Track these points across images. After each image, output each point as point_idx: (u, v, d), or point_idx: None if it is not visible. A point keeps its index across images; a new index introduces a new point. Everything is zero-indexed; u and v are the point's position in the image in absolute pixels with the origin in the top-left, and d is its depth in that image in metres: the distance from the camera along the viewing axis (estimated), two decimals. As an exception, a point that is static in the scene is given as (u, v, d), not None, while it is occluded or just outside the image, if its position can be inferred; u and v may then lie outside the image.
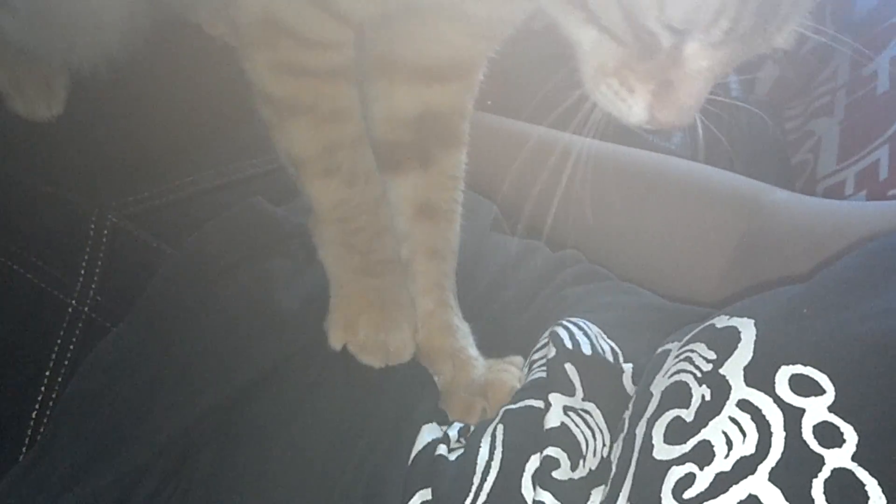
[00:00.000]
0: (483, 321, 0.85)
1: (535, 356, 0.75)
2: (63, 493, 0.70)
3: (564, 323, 0.72)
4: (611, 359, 0.70)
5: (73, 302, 0.82)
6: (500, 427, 0.66)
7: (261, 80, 0.71)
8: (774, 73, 1.51)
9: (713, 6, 0.53)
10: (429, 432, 0.70)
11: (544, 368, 0.70)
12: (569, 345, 0.69)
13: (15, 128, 0.94)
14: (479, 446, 0.65)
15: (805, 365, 0.52)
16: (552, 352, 0.69)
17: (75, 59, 0.89)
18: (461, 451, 0.67)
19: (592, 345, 0.70)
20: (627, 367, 0.69)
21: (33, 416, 0.78)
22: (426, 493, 0.64)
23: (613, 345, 0.72)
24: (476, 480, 0.62)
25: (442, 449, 0.67)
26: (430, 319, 0.80)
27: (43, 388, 0.78)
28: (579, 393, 0.66)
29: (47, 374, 0.79)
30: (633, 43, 0.57)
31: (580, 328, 0.72)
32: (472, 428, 0.71)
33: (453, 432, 0.70)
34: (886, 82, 1.31)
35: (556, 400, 0.64)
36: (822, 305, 0.56)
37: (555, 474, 0.60)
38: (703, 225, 0.95)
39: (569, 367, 0.67)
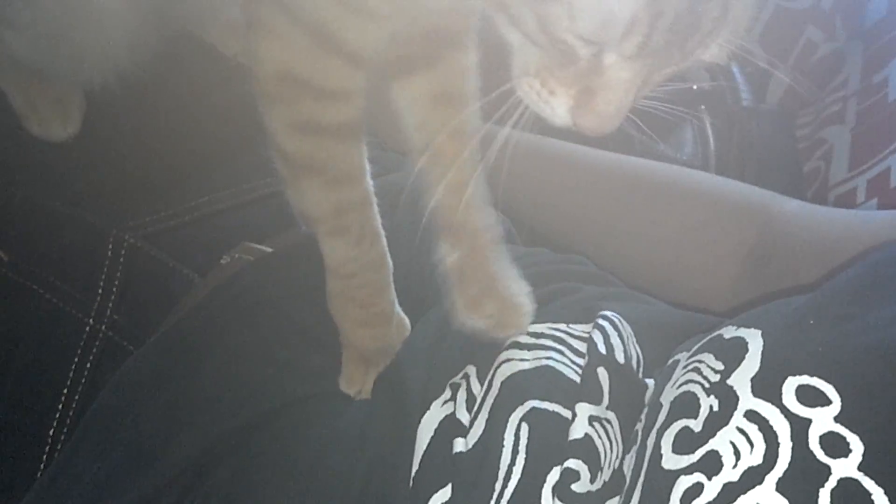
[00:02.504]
0: None
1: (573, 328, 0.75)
2: None
3: (601, 322, 0.72)
4: (634, 365, 0.70)
5: (91, 321, 0.83)
6: (525, 428, 0.66)
7: (276, 137, 0.72)
8: (785, 80, 1.52)
9: (623, 22, 0.53)
10: (430, 422, 0.70)
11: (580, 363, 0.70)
12: (602, 350, 0.69)
13: (32, 148, 0.95)
14: (503, 445, 0.65)
15: (811, 375, 0.52)
16: (584, 358, 0.69)
17: (85, 75, 0.90)
18: (478, 437, 0.67)
19: (625, 351, 0.70)
20: (650, 383, 0.68)
21: (51, 433, 0.79)
22: (445, 493, 0.64)
23: (640, 351, 0.72)
24: (498, 487, 0.62)
25: (459, 444, 0.67)
26: (455, 191, 0.77)
27: (61, 406, 0.79)
28: (605, 401, 0.66)
29: (65, 391, 0.80)
30: (552, 50, 0.57)
31: (616, 328, 0.71)
32: (479, 401, 0.70)
33: (462, 413, 0.70)
34: (897, 90, 1.32)
35: (583, 410, 0.64)
36: (828, 316, 0.57)
37: (574, 487, 0.60)
38: (713, 235, 0.95)
39: (601, 371, 0.67)
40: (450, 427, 0.69)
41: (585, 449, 0.62)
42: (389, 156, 1.02)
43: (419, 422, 0.70)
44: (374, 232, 0.77)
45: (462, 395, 0.70)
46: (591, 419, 0.64)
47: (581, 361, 0.70)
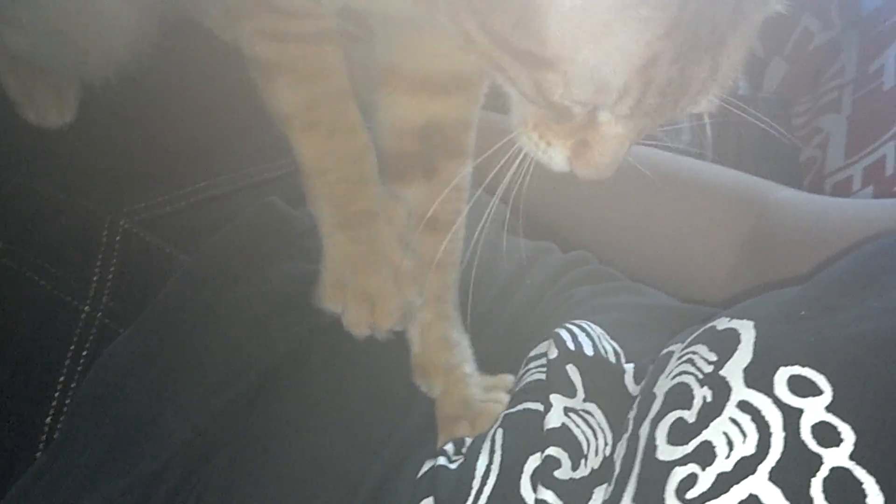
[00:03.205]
0: (493, 327, 0.85)
1: (532, 356, 0.75)
2: (79, 497, 0.71)
3: (568, 325, 0.73)
4: (613, 360, 0.71)
5: (87, 308, 0.83)
6: (500, 431, 0.67)
7: (247, 46, 0.74)
8: (782, 69, 1.52)
9: (616, 89, 0.55)
10: (430, 463, 0.70)
11: (544, 370, 0.71)
12: (571, 346, 0.70)
13: (28, 134, 0.94)
14: (479, 453, 0.66)
15: (803, 366, 0.52)
16: (553, 353, 0.69)
17: (85, 70, 0.90)
18: (462, 460, 0.68)
19: (595, 346, 0.71)
20: (629, 367, 0.69)
21: (47, 421, 0.79)
22: (429, 502, 0.65)
23: (616, 345, 0.73)
24: (476, 485, 0.63)
25: (442, 460, 0.68)
26: (427, 332, 0.81)
27: (57, 394, 0.79)
28: (580, 394, 0.66)
29: (61, 379, 0.80)
30: (548, 108, 0.60)
31: (583, 329, 0.72)
32: (467, 440, 0.72)
33: (449, 446, 0.71)
34: (893, 78, 1.31)
35: (557, 401, 0.65)
36: (820, 306, 0.57)
37: (556, 474, 0.61)
38: (709, 224, 0.96)
39: (570, 368, 0.68)
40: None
41: (563, 438, 0.63)
42: None
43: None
44: (350, 125, 0.77)
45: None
46: (567, 410, 0.65)
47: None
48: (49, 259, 0.85)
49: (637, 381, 0.68)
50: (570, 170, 0.63)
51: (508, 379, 0.80)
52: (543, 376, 0.70)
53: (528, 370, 0.74)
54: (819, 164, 1.35)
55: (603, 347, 0.71)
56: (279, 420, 0.74)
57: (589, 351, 0.70)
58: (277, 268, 0.83)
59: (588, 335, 0.71)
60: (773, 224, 0.91)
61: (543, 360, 0.71)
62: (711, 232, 0.95)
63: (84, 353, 0.81)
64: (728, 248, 0.94)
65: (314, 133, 0.75)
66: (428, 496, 0.65)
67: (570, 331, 0.72)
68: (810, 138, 1.42)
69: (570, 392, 0.66)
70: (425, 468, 0.69)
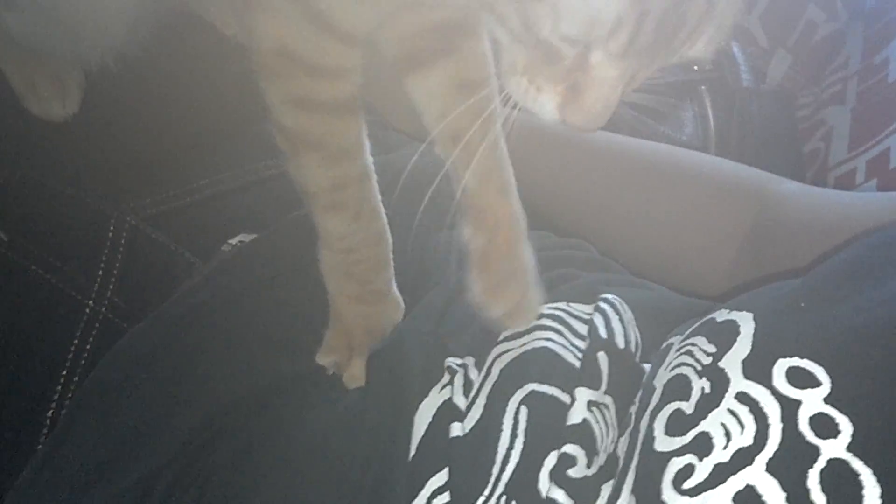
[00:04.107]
0: None
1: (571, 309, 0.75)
2: (86, 491, 0.71)
3: (602, 305, 0.72)
4: (633, 350, 0.70)
5: (91, 303, 0.84)
6: (524, 411, 0.66)
7: (274, 112, 0.72)
8: (786, 61, 1.51)
9: (608, 22, 0.53)
10: (428, 408, 0.70)
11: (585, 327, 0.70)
12: (603, 334, 0.69)
13: (33, 128, 0.95)
14: (501, 428, 0.65)
15: (801, 357, 0.53)
16: (585, 341, 0.69)
17: (82, 53, 0.90)
18: (475, 421, 0.67)
19: (625, 335, 0.70)
20: (647, 367, 0.69)
21: (49, 415, 0.79)
22: (441, 477, 0.65)
23: (638, 335, 0.72)
24: (495, 471, 0.63)
25: (456, 429, 0.67)
26: (487, 176, 0.78)
27: (59, 388, 0.80)
28: (603, 385, 0.66)
29: (63, 374, 0.80)
30: (538, 49, 0.57)
31: (616, 312, 0.72)
32: (477, 387, 0.70)
33: (459, 398, 0.70)
34: (897, 70, 1.31)
35: (582, 395, 0.65)
36: (819, 298, 0.57)
37: (570, 472, 0.60)
38: (711, 216, 0.96)
39: (601, 356, 0.67)
40: (447, 412, 0.69)
41: (583, 434, 0.62)
42: (390, 134, 1.02)
43: (417, 408, 0.70)
44: (373, 208, 0.77)
45: (459, 380, 0.71)
46: (590, 404, 0.64)
47: (579, 343, 0.71)
48: (54, 253, 0.86)
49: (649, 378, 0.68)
50: (560, 119, 0.60)
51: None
52: (576, 359, 0.70)
53: (567, 310, 0.74)
54: (822, 156, 1.35)
55: (633, 337, 0.71)
56: (282, 411, 0.75)
57: (620, 342, 0.69)
58: (293, 283, 0.84)
59: (621, 319, 0.71)
60: (775, 217, 0.91)
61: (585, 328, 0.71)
62: (712, 225, 0.95)
63: (87, 347, 0.82)
64: (729, 241, 0.94)
65: (339, 214, 0.75)
66: (439, 470, 0.65)
67: (604, 314, 0.71)
68: (814, 130, 1.41)
69: (595, 383, 0.66)
70: (420, 429, 0.69)
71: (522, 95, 0.60)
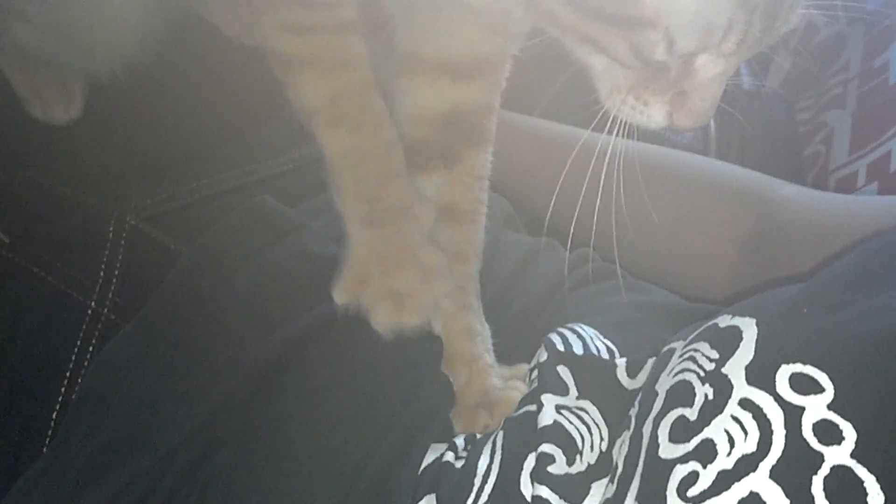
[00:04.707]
0: (495, 326, 0.85)
1: (531, 367, 0.76)
2: (81, 492, 0.71)
3: (559, 330, 0.73)
4: (606, 356, 0.71)
5: (93, 304, 0.83)
6: (501, 434, 0.68)
7: (270, 41, 0.73)
8: (786, 64, 1.51)
9: (722, 25, 0.55)
10: (433, 450, 0.70)
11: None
12: (561, 348, 0.70)
13: (35, 131, 0.95)
14: (481, 454, 0.66)
15: (804, 363, 0.53)
16: (544, 356, 0.70)
17: (92, 65, 0.90)
18: (465, 460, 0.68)
19: (585, 345, 0.71)
20: (621, 362, 0.69)
21: (54, 416, 0.79)
22: (431, 499, 0.65)
23: (610, 343, 0.73)
24: (477, 482, 0.64)
25: (449, 456, 0.68)
26: (450, 322, 0.80)
27: (63, 390, 0.80)
28: (573, 392, 0.67)
29: (67, 374, 0.80)
30: (643, 68, 0.59)
31: (574, 332, 0.73)
32: (478, 436, 0.72)
33: (460, 441, 0.71)
34: (898, 73, 1.32)
35: (548, 400, 0.66)
36: (822, 304, 0.57)
37: (550, 469, 0.61)
38: (712, 220, 0.96)
39: (561, 368, 0.68)
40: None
41: (556, 434, 0.63)
42: None
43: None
44: (377, 118, 0.76)
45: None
46: (559, 407, 0.65)
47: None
48: (55, 255, 0.86)
49: (630, 374, 0.68)
50: (669, 124, 0.62)
51: (524, 368, 0.80)
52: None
53: (532, 380, 0.74)
54: (823, 159, 1.35)
55: (595, 346, 0.72)
56: (280, 412, 0.74)
57: (579, 350, 0.70)
58: (271, 259, 0.83)
59: (579, 336, 0.72)
60: (776, 221, 0.91)
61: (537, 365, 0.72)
62: (714, 228, 0.95)
63: (90, 348, 0.82)
64: (730, 245, 0.94)
65: (340, 127, 0.74)
66: (430, 493, 0.66)
67: (560, 334, 0.72)
68: (815, 133, 1.42)
69: (561, 391, 0.67)
70: (429, 459, 0.69)
71: (630, 112, 0.62)
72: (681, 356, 0.60)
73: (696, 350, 0.59)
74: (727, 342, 0.57)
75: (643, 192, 0.98)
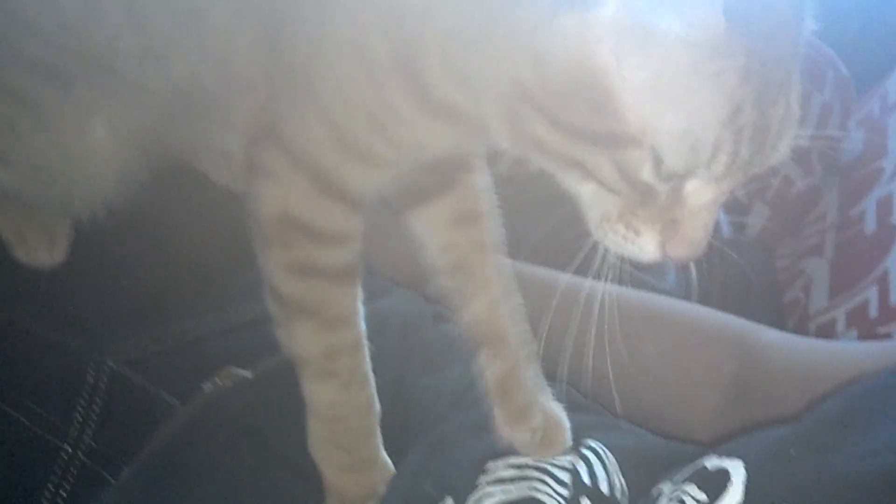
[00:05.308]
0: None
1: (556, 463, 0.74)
2: None
3: (585, 452, 0.72)
4: (619, 495, 0.69)
5: (68, 447, 0.82)
6: None
7: (273, 279, 0.72)
8: (765, 213, 1.54)
9: (709, 146, 0.55)
10: None
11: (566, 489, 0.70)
12: (587, 480, 0.69)
13: (16, 272, 0.95)
14: None
15: None
16: (568, 489, 0.69)
17: (73, 208, 0.90)
18: None
19: (609, 481, 0.69)
20: None
21: None
22: None
23: (624, 483, 0.71)
24: None
25: None
26: (495, 306, 0.78)
27: None
28: None
29: None
30: (631, 193, 0.59)
31: (599, 459, 0.71)
32: None
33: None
34: (874, 223, 1.34)
35: None
36: (809, 447, 0.57)
37: None
38: (694, 364, 0.96)
39: (584, 501, 0.67)
40: None
41: None
42: (376, 280, 1.03)
43: None
44: (364, 376, 0.76)
45: None
46: None
47: (563, 492, 0.70)
48: (32, 397, 0.85)
49: None
50: (661, 255, 0.61)
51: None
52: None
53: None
54: (803, 305, 1.36)
55: (618, 483, 0.70)
56: None
57: (605, 488, 0.68)
58: (271, 432, 0.83)
59: (604, 466, 0.70)
60: (759, 365, 0.91)
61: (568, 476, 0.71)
62: (696, 372, 0.95)
63: (63, 492, 0.80)
64: (713, 389, 0.94)
65: (330, 382, 0.74)
66: None
67: (586, 460, 0.71)
68: (793, 280, 1.43)
69: None
70: None
71: (621, 242, 0.61)
72: (669, 499, 0.60)
73: (684, 493, 0.58)
74: (716, 484, 0.56)
75: (628, 336, 0.98)
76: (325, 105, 0.66)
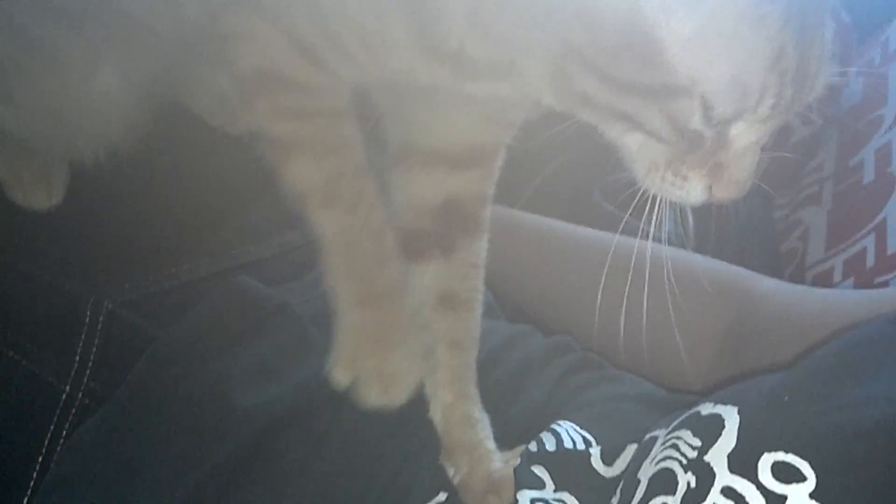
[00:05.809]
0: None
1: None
2: None
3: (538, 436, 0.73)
4: (582, 447, 0.70)
5: (68, 388, 0.83)
6: None
7: (263, 126, 0.73)
8: (763, 163, 1.54)
9: (756, 91, 0.56)
10: None
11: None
12: (533, 448, 0.70)
13: (14, 216, 0.95)
14: None
15: (787, 452, 0.53)
16: (517, 461, 0.70)
17: (76, 151, 0.90)
18: None
19: (559, 440, 0.71)
20: (595, 451, 0.69)
21: (25, 502, 0.77)
22: None
23: (587, 434, 0.73)
24: None
25: None
26: (450, 411, 0.79)
27: (35, 475, 0.78)
28: (549, 486, 0.67)
29: (40, 459, 0.79)
30: (679, 141, 0.60)
31: (548, 430, 0.73)
32: None
33: None
34: (872, 173, 1.33)
35: (524, 495, 0.65)
36: (803, 394, 0.57)
37: None
38: (691, 313, 0.96)
39: (536, 468, 0.68)
40: None
41: None
42: None
43: None
44: (370, 200, 0.75)
45: None
46: (534, 500, 0.65)
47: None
48: (31, 339, 0.85)
49: (606, 462, 0.68)
50: (709, 197, 0.63)
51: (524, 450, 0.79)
52: None
53: None
54: (800, 256, 1.36)
55: (571, 439, 0.71)
56: (263, 483, 0.73)
57: (551, 447, 0.70)
58: (247, 347, 0.83)
59: (553, 433, 0.72)
60: (755, 314, 0.91)
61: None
62: (693, 322, 0.95)
63: (64, 433, 0.80)
64: (710, 338, 0.94)
65: (334, 209, 0.74)
66: None
67: (536, 439, 0.72)
68: (791, 230, 1.43)
69: (538, 485, 0.67)
70: None
71: (669, 188, 0.63)
72: (663, 444, 0.60)
73: (678, 438, 0.59)
74: (709, 430, 0.57)
75: (623, 284, 0.98)
76: (325, 15, 0.68)
